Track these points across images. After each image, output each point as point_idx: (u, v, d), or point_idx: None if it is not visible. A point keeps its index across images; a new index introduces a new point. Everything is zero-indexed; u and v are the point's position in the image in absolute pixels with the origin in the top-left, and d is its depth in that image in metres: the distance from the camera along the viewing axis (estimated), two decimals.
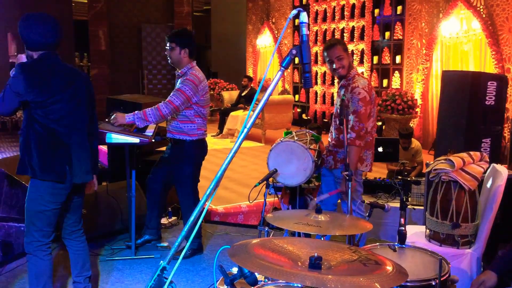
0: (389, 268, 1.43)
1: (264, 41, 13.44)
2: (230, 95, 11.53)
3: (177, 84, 3.84)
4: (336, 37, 10.36)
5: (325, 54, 3.43)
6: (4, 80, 2.87)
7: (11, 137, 11.50)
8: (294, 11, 1.33)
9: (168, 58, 3.88)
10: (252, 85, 10.76)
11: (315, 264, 1.34)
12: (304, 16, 1.33)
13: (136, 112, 3.65)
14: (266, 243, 1.63)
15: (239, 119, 9.57)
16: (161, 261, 1.35)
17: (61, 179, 2.77)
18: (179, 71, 3.83)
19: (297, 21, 12.03)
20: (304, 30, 1.34)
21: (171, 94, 3.70)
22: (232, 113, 9.86)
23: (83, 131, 2.90)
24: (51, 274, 2.91)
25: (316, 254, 1.35)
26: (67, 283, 3.48)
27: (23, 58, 2.92)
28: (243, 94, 10.52)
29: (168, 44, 3.85)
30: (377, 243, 2.48)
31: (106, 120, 3.80)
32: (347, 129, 2.96)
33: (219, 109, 10.78)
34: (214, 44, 16.53)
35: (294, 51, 1.32)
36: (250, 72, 13.87)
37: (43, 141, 2.73)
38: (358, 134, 3.26)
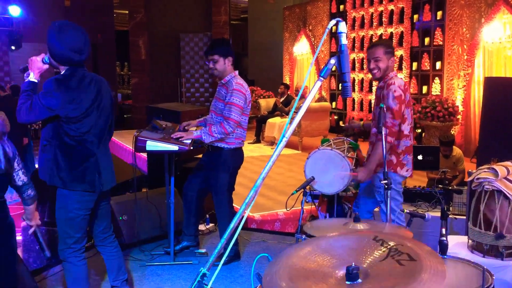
0: (427, 263, 1.38)
1: (301, 48, 13.44)
2: (267, 103, 11.58)
3: (220, 93, 3.86)
4: None
5: (367, 52, 3.46)
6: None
7: None
8: (333, 21, 1.34)
9: (213, 71, 3.85)
10: (289, 92, 10.77)
11: (352, 275, 1.33)
12: (342, 26, 1.34)
13: (203, 128, 3.77)
14: (296, 262, 1.57)
15: (277, 126, 9.59)
16: (201, 268, 1.37)
17: (92, 189, 2.82)
18: (222, 80, 3.86)
19: (334, 28, 11.96)
20: (343, 40, 1.35)
21: (227, 109, 3.72)
22: (269, 120, 9.89)
23: (108, 139, 2.97)
24: (87, 279, 2.98)
25: (353, 264, 1.34)
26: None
27: (36, 61, 2.81)
28: (280, 101, 10.56)
29: (209, 58, 3.82)
30: None
31: (146, 128, 3.89)
32: (385, 138, 2.93)
33: (256, 116, 10.84)
34: (251, 52, 16.67)
35: (332, 61, 1.33)
36: (286, 80, 13.89)
37: (73, 152, 2.76)
38: (390, 131, 3.22)
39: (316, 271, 1.43)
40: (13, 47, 13.62)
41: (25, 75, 2.82)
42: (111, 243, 3.15)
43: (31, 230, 2.57)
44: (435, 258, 1.43)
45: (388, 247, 1.51)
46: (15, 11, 12.90)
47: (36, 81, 2.81)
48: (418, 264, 1.37)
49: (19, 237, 4.87)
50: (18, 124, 6.13)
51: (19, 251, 3.98)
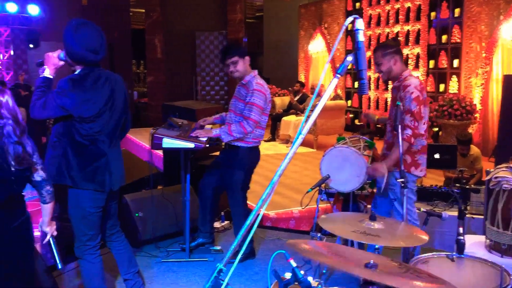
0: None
1: (316, 46, 13.39)
2: (282, 101, 11.56)
3: (240, 93, 3.86)
4: None
5: None
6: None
7: None
8: (350, 18, 1.34)
9: (234, 73, 3.84)
10: (304, 90, 10.73)
11: (370, 266, 1.33)
12: (359, 23, 1.33)
13: (222, 127, 3.79)
14: (320, 245, 1.63)
15: (292, 124, 9.57)
16: (218, 264, 1.38)
17: (102, 188, 2.84)
18: (242, 80, 3.86)
19: (349, 26, 11.89)
20: (360, 37, 1.34)
21: (248, 109, 3.72)
22: (284, 118, 9.88)
23: (119, 138, 2.98)
24: (103, 275, 3.02)
25: (372, 261, 1.34)
26: (117, 283, 3.60)
27: (52, 57, 2.80)
28: (295, 99, 10.52)
29: (228, 61, 3.81)
30: (434, 253, 2.42)
31: (163, 125, 3.92)
32: (402, 136, 2.91)
33: (271, 114, 10.83)
34: (266, 50, 16.65)
35: (349, 58, 1.33)
36: (302, 78, 13.85)
37: (84, 151, 2.76)
38: (413, 132, 3.20)
39: (340, 256, 1.45)
40: (31, 46, 13.81)
41: (40, 70, 2.81)
42: (118, 238, 3.19)
43: (45, 240, 2.55)
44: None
45: (407, 267, 1.52)
46: (33, 10, 13.07)
47: (51, 77, 2.80)
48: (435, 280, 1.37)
49: (37, 233, 4.94)
50: (37, 123, 6.19)
51: (37, 247, 4.04)
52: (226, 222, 4.89)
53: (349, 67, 1.39)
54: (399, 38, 9.94)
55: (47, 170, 2.64)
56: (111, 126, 2.86)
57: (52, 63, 2.80)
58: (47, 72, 2.80)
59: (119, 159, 2.97)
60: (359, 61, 1.32)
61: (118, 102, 2.91)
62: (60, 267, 2.72)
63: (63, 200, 2.92)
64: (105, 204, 2.95)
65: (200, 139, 3.72)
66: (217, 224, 4.74)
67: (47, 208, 2.47)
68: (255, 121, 3.73)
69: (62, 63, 2.83)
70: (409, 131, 3.19)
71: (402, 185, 2.73)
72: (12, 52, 13.92)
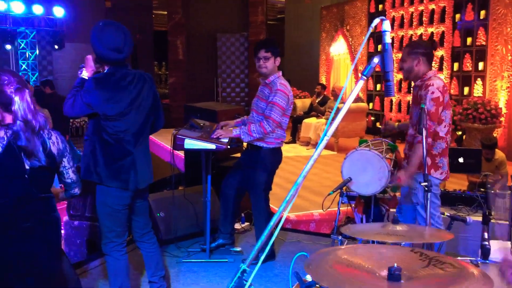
0: (474, 271, 1.36)
1: (338, 48, 13.32)
2: (302, 103, 11.53)
3: (263, 92, 3.86)
4: None
5: None
6: None
7: None
8: (377, 20, 1.33)
9: (262, 69, 3.80)
10: (325, 93, 10.69)
11: (394, 275, 1.32)
12: (386, 25, 1.32)
13: (242, 127, 3.79)
14: (341, 253, 1.61)
15: (312, 127, 9.54)
16: (241, 264, 1.39)
17: (126, 186, 2.88)
18: (266, 80, 3.86)
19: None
20: (387, 39, 1.33)
21: (269, 108, 3.72)
22: (305, 121, 9.85)
23: (146, 137, 3.02)
24: (128, 273, 3.05)
25: (395, 264, 1.33)
26: (141, 282, 3.64)
27: (90, 59, 2.93)
28: (316, 101, 10.49)
29: (262, 54, 3.78)
30: (458, 258, 2.38)
31: (185, 126, 3.95)
32: (426, 139, 2.87)
33: (291, 116, 10.81)
34: (288, 52, 16.63)
35: (376, 60, 1.32)
36: (323, 80, 13.80)
37: (110, 149, 2.82)
38: (428, 132, 3.15)
39: (361, 265, 1.44)
40: (56, 47, 14.07)
41: (78, 72, 2.94)
42: (150, 239, 3.20)
43: None
44: (478, 268, 1.40)
45: (428, 257, 1.50)
46: (59, 12, 13.31)
47: (87, 78, 2.90)
48: (463, 271, 1.34)
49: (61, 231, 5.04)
50: (61, 121, 6.29)
51: (62, 245, 4.11)
52: (246, 223, 4.90)
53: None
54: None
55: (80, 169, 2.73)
56: (137, 126, 2.90)
57: (89, 65, 2.93)
58: (84, 74, 2.92)
59: (146, 158, 3.01)
60: (385, 62, 1.31)
61: (146, 102, 2.95)
62: None
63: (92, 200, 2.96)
64: (131, 202, 2.98)
65: (222, 140, 3.73)
66: (237, 226, 4.75)
67: (64, 199, 2.56)
68: (276, 121, 3.72)
69: (98, 65, 2.95)
70: (426, 132, 3.15)
71: (426, 189, 2.70)
72: (37, 53, 14.19)
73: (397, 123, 3.84)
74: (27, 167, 2.13)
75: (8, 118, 2.15)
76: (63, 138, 2.36)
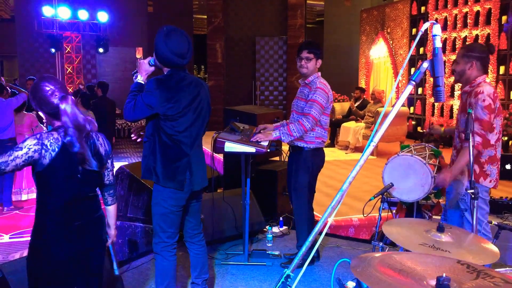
0: None
1: (378, 51, 13.13)
2: (341, 107, 11.42)
3: (303, 92, 3.86)
4: (456, 47, 9.82)
5: None
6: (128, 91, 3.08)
7: (136, 143, 12.49)
8: (427, 24, 1.30)
9: (303, 69, 3.86)
10: (364, 96, 10.55)
11: (443, 285, 1.28)
12: (437, 29, 1.29)
13: (281, 128, 3.81)
14: (387, 259, 1.59)
15: (351, 131, 9.43)
16: (285, 269, 1.38)
17: (181, 188, 2.93)
18: (306, 80, 3.88)
19: (414, 30, 11.58)
20: (437, 43, 1.30)
21: (308, 106, 3.74)
22: (344, 125, 9.75)
23: (201, 140, 3.07)
24: (175, 274, 3.10)
25: (444, 274, 1.29)
26: (186, 284, 3.68)
27: (144, 64, 3.02)
28: (355, 105, 10.36)
29: (304, 55, 3.84)
30: (507, 268, 2.30)
31: (225, 130, 3.98)
32: (474, 145, 2.78)
33: (330, 120, 10.72)
34: (326, 55, 16.50)
35: (425, 64, 1.29)
36: (362, 83, 13.63)
37: (168, 150, 2.90)
38: (483, 140, 3.07)
39: (408, 272, 1.41)
40: (101, 50, 14.47)
41: (134, 77, 3.02)
42: (200, 241, 3.24)
43: (108, 243, 2.61)
44: None
45: (476, 270, 1.45)
46: (103, 17, 13.69)
47: (143, 82, 2.98)
48: None
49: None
50: (107, 125, 6.45)
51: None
52: (284, 227, 4.88)
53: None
54: (466, 43, 9.56)
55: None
56: (194, 127, 2.97)
57: (144, 69, 3.01)
58: (140, 78, 3.01)
59: (201, 160, 3.07)
60: (435, 67, 1.28)
61: (202, 105, 3.02)
62: (117, 273, 2.84)
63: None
64: (186, 204, 3.04)
65: (261, 143, 3.74)
66: (275, 229, 4.75)
67: (110, 211, 2.50)
68: (315, 118, 3.71)
69: (152, 68, 3.02)
70: (478, 139, 3.07)
71: (472, 196, 2.61)
72: (82, 57, 14.63)
73: (443, 128, 3.75)
74: (80, 167, 2.18)
75: (57, 123, 2.21)
76: (108, 140, 2.41)
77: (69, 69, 14.12)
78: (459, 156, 3.17)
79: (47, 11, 13.09)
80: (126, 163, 7.17)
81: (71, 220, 2.20)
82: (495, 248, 2.11)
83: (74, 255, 2.22)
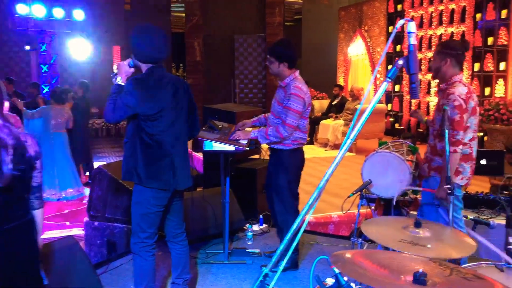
0: (496, 282, 1.35)
1: (356, 49, 13.24)
2: (320, 104, 11.48)
3: (279, 95, 3.81)
4: (432, 44, 9.97)
5: None
6: (109, 91, 3.04)
7: (114, 143, 12.35)
8: (402, 21, 1.31)
9: (270, 70, 3.86)
10: (342, 94, 10.63)
11: (419, 280, 1.29)
12: (412, 26, 1.30)
13: (260, 129, 3.79)
14: (366, 254, 1.60)
15: (330, 128, 9.49)
16: (264, 268, 1.37)
17: (165, 187, 2.92)
18: (281, 82, 3.80)
19: (391, 28, 11.70)
20: (412, 40, 1.31)
21: (284, 113, 3.65)
22: (322, 122, 9.81)
23: (185, 139, 3.05)
24: (154, 274, 3.07)
25: (421, 270, 1.30)
26: (166, 284, 3.65)
27: (122, 65, 2.99)
28: (333, 103, 10.43)
29: (268, 57, 3.82)
30: (481, 262, 2.34)
31: (203, 128, 3.95)
32: (449, 141, 2.82)
33: (309, 117, 10.77)
34: (305, 53, 16.59)
35: (400, 62, 1.30)
36: (341, 81, 13.73)
37: (149, 150, 2.88)
38: (451, 140, 3.06)
39: (386, 266, 1.42)
40: (76, 49, 14.22)
41: (113, 79, 2.99)
42: (182, 241, 3.21)
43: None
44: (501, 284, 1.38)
45: (449, 267, 1.48)
46: (79, 15, 13.48)
47: (122, 84, 2.95)
48: (488, 282, 1.32)
49: (81, 232, 5.08)
50: (82, 128, 6.30)
51: (82, 245, 4.15)
52: (264, 225, 4.89)
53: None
54: (442, 41, 9.71)
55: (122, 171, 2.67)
56: (177, 127, 2.95)
57: (123, 71, 2.98)
58: (119, 80, 2.97)
59: (184, 160, 3.04)
60: (410, 64, 1.29)
61: (182, 104, 3.00)
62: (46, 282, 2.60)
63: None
64: (168, 203, 3.01)
65: (241, 141, 3.73)
66: (255, 227, 4.74)
67: (38, 214, 2.26)
68: (292, 126, 3.64)
69: (132, 70, 3.00)
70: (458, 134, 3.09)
71: (449, 191, 2.65)
72: (57, 56, 14.36)
73: (426, 118, 3.74)
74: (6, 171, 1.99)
75: None
76: (37, 141, 2.25)
77: (44, 68, 13.87)
78: (449, 164, 3.13)
79: (21, 9, 12.82)
80: (105, 162, 7.08)
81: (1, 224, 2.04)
82: (472, 241, 2.14)
83: (4, 259, 2.07)
